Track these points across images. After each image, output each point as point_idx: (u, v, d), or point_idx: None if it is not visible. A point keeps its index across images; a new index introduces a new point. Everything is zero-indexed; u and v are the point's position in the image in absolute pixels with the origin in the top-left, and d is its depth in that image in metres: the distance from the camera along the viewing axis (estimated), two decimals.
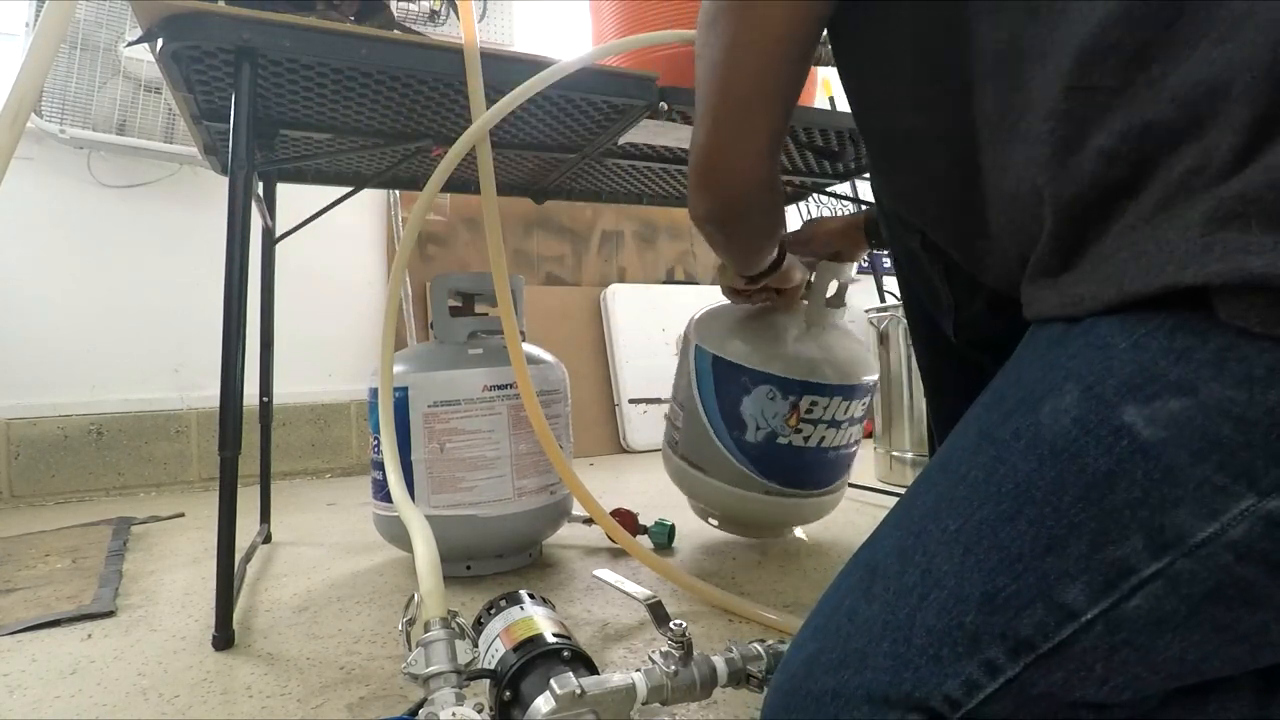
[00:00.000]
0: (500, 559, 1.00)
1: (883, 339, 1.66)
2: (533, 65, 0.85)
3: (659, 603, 0.59)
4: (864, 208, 1.01)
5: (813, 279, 0.98)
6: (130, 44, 1.56)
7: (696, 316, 1.07)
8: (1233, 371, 0.29)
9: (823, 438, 0.97)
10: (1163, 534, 0.30)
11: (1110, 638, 0.31)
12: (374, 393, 0.94)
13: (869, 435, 1.74)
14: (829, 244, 0.97)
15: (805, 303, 1.00)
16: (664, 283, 2.50)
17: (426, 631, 0.51)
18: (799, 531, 1.16)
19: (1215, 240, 0.29)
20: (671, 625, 0.54)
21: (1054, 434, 0.33)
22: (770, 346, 0.96)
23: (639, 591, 0.62)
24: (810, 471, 0.99)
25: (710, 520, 1.10)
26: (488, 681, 0.52)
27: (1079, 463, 0.31)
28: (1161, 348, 0.31)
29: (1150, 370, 0.31)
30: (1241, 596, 0.29)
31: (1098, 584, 0.31)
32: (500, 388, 0.95)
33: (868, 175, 0.91)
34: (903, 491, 0.43)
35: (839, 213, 1.86)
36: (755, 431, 0.96)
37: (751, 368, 0.95)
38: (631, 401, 2.25)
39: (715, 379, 0.98)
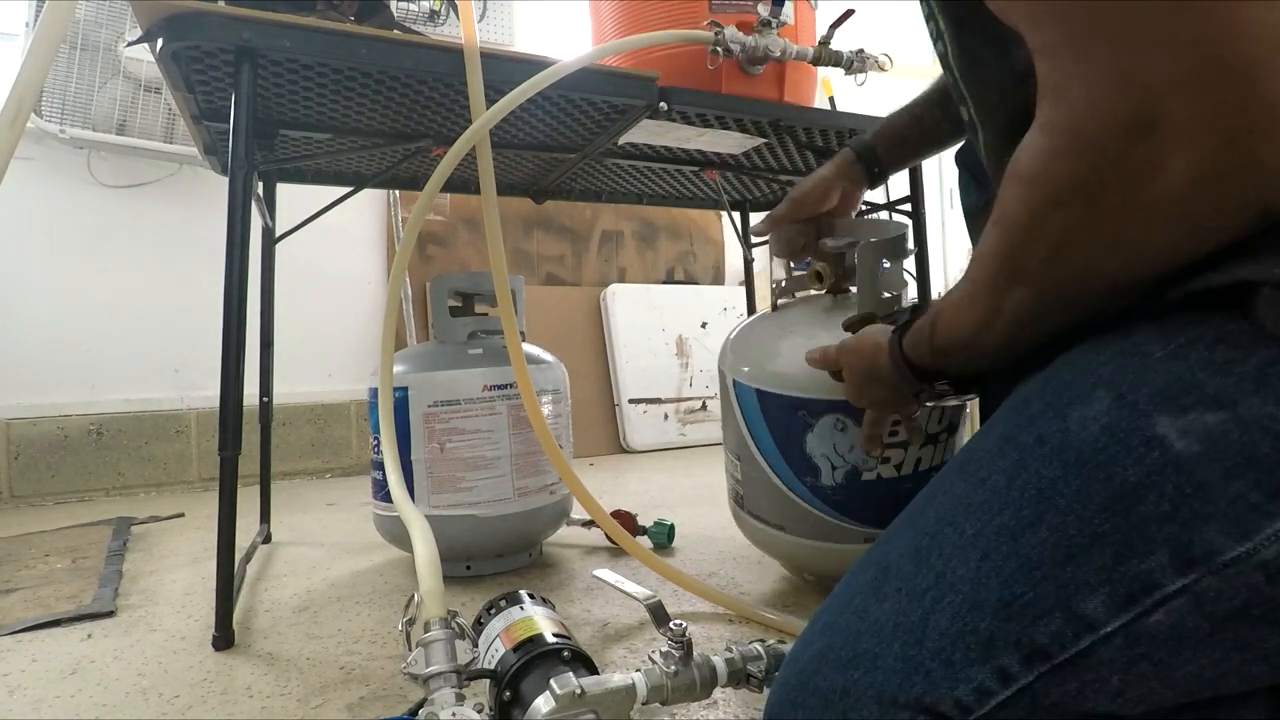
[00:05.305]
0: (500, 559, 1.00)
1: None
2: (533, 65, 0.85)
3: (659, 603, 0.59)
4: (843, 149, 0.82)
5: (856, 259, 0.74)
6: (130, 44, 1.56)
7: (728, 342, 0.89)
8: (1275, 388, 0.28)
9: (919, 459, 0.77)
10: (1190, 550, 0.29)
11: (1129, 651, 0.30)
12: (374, 393, 0.94)
13: None
14: (827, 192, 0.80)
15: (854, 290, 0.80)
16: (664, 283, 2.50)
17: (426, 631, 0.51)
18: None
19: (1273, 237, 0.29)
20: (671, 625, 0.54)
21: (1081, 441, 0.32)
22: None
23: (639, 591, 0.62)
24: None
25: (807, 577, 0.92)
26: (488, 681, 0.52)
27: (1106, 472, 0.31)
28: (1201, 359, 0.30)
29: (1187, 381, 0.30)
30: (1268, 617, 0.29)
31: (1119, 597, 0.30)
32: (500, 388, 0.95)
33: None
34: None
35: None
36: (832, 473, 0.77)
37: (808, 397, 0.75)
38: (631, 401, 2.25)
39: (768, 419, 0.79)
